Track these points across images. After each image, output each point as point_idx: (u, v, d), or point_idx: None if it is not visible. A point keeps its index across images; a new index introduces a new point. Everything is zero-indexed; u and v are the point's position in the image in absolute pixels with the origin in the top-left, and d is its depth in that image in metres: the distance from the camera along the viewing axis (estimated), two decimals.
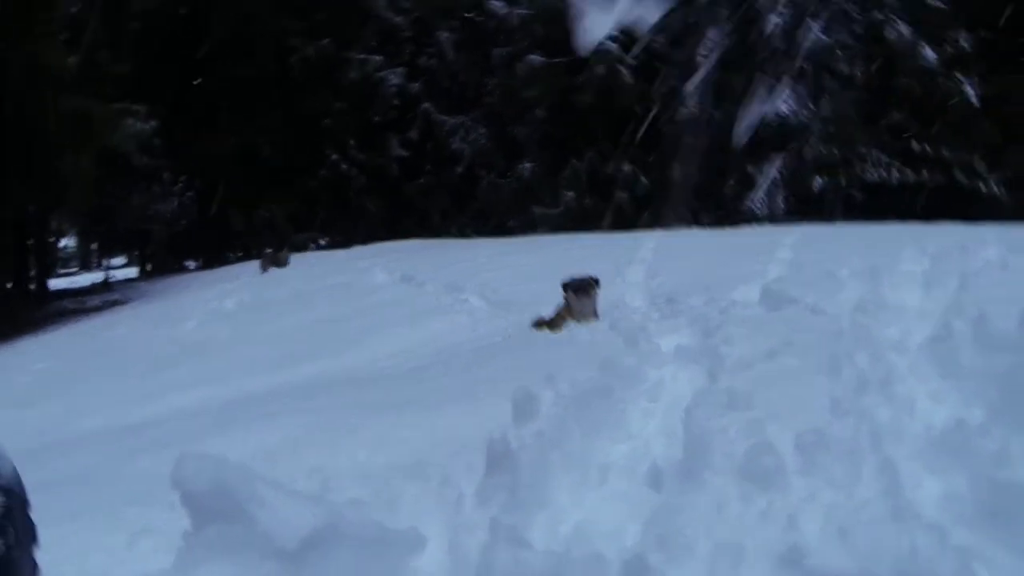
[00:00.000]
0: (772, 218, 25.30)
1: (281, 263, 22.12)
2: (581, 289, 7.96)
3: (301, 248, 31.60)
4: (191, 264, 41.55)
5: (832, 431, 3.38)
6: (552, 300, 8.01)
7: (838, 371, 4.29)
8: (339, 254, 24.83)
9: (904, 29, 27.11)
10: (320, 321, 12.04)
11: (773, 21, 27.31)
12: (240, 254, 37.61)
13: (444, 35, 39.98)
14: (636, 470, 3.98)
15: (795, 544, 2.57)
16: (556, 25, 32.46)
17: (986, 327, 4.87)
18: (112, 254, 43.44)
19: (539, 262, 13.84)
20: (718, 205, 29.66)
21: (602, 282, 7.97)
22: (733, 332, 5.33)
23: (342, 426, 4.23)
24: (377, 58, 37.37)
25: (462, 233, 35.34)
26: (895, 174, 26.54)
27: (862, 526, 2.63)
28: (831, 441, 3.21)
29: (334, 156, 35.94)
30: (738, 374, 4.42)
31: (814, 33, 26.96)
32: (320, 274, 18.21)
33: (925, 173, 26.78)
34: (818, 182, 26.20)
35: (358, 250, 25.62)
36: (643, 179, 31.88)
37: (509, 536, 2.53)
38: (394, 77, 37.62)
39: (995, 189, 26.48)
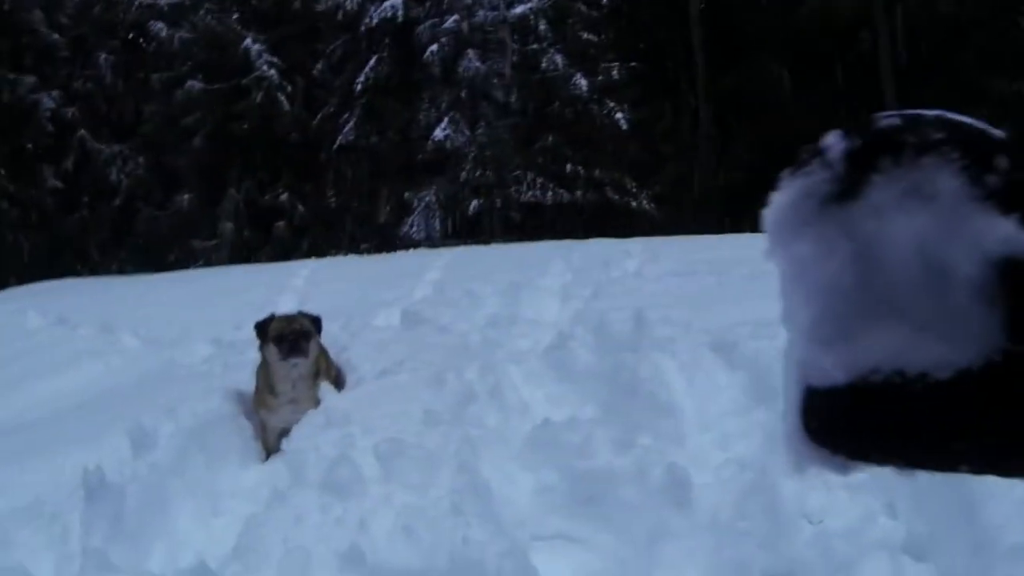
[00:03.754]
0: (429, 242, 26.11)
1: None
2: (288, 339, 4.79)
3: None
4: None
5: (416, 440, 3.70)
6: (202, 333, 7.89)
7: (442, 385, 4.64)
8: None
9: (559, 59, 28.92)
10: None
11: (432, 51, 28.25)
12: None
13: (103, 56, 37.97)
14: (259, 495, 4.15)
15: (356, 544, 2.85)
16: (216, 50, 31.95)
17: (604, 331, 5.38)
18: None
19: (192, 294, 13.65)
20: (376, 231, 30.20)
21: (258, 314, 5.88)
22: (356, 354, 5.60)
23: None
24: (31, 79, 34.83)
25: (121, 269, 33.76)
26: (550, 195, 28.17)
27: (426, 524, 2.93)
28: (409, 449, 3.51)
29: None
30: (349, 393, 4.68)
31: (472, 62, 28.16)
32: None
33: (579, 193, 28.70)
34: (475, 205, 27.31)
35: (9, 291, 23.84)
36: (301, 208, 31.91)
37: (99, 563, 2.64)
38: (49, 100, 35.25)
39: (645, 204, 28.91)
